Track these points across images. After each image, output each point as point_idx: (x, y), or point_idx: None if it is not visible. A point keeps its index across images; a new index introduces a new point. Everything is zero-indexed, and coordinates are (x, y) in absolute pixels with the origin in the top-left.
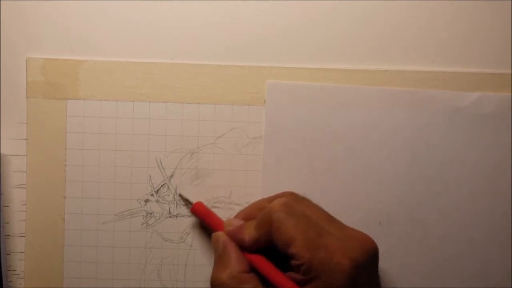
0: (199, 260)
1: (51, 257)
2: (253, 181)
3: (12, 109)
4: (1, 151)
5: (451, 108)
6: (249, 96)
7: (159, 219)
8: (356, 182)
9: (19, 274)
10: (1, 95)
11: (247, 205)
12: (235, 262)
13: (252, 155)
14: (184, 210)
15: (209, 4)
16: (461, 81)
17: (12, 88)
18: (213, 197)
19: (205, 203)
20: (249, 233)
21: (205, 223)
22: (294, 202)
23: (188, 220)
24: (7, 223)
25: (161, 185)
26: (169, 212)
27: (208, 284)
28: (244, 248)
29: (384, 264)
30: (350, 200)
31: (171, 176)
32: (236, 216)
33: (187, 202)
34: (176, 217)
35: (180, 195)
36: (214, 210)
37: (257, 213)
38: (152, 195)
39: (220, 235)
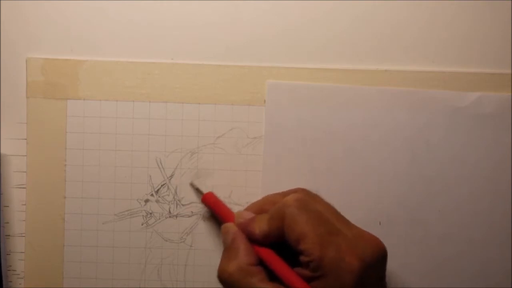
0: (199, 260)
1: (51, 257)
2: (253, 181)
3: (12, 109)
4: (1, 151)
5: (451, 108)
6: (249, 96)
7: (159, 219)
8: (356, 182)
9: (19, 274)
10: (1, 95)
11: (247, 205)
12: (243, 254)
13: (252, 155)
14: (184, 210)
15: (209, 4)
16: (461, 81)
17: (12, 88)
18: None
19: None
20: (260, 227)
21: (215, 213)
22: (308, 198)
23: (188, 220)
24: (7, 223)
25: (161, 185)
26: (169, 212)
27: (208, 284)
28: (253, 241)
29: None
30: (350, 200)
31: (171, 176)
32: (247, 209)
33: (198, 191)
34: (176, 217)
35: (192, 184)
36: None
37: (269, 207)
38: (152, 195)
39: (230, 226)
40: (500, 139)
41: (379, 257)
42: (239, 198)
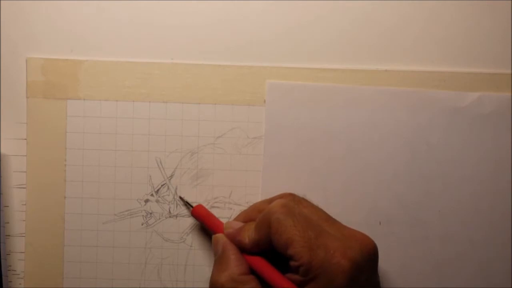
0: (199, 260)
1: (51, 257)
2: (253, 181)
3: (12, 109)
4: (1, 151)
5: (451, 108)
6: (249, 96)
7: (159, 219)
8: (356, 182)
9: (19, 274)
10: (1, 95)
11: (247, 205)
12: (234, 264)
13: (252, 155)
14: (184, 210)
15: (209, 4)
16: (461, 81)
17: (12, 88)
18: (213, 197)
19: (205, 204)
20: (249, 235)
21: (206, 225)
22: (293, 203)
23: (188, 220)
24: (7, 223)
25: (161, 185)
26: (169, 212)
27: (208, 284)
28: (244, 250)
29: (384, 264)
30: (350, 200)
31: (171, 176)
32: (236, 218)
33: (187, 205)
34: (176, 217)
35: (181, 198)
36: (214, 210)
37: (256, 214)
38: (152, 195)
39: (219, 237)
40: (500, 139)
41: (370, 255)
42: (239, 198)
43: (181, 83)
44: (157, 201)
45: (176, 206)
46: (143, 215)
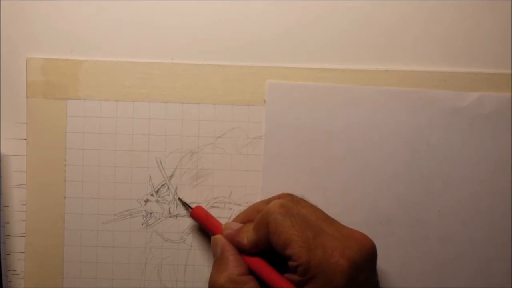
0: (199, 260)
1: (51, 257)
2: (253, 181)
3: (12, 109)
4: (1, 151)
5: (451, 108)
6: (249, 96)
7: (159, 219)
8: (356, 182)
9: (19, 274)
10: (1, 95)
11: (247, 205)
12: (232, 265)
13: (252, 155)
14: (184, 210)
15: (209, 4)
16: (461, 81)
17: (12, 88)
18: (213, 197)
19: (205, 203)
20: (248, 236)
21: (204, 226)
22: (291, 204)
23: (188, 220)
24: (7, 223)
25: (161, 185)
26: (169, 212)
27: (207, 284)
28: (243, 251)
29: (384, 264)
30: (350, 200)
31: (171, 176)
32: (235, 219)
33: (186, 206)
34: (176, 217)
35: (180, 199)
36: (214, 210)
37: (255, 215)
38: (152, 195)
39: (218, 238)
40: (500, 139)
41: (368, 255)
42: (239, 198)
43: (181, 83)
44: (157, 201)
45: (176, 206)
46: (143, 215)
